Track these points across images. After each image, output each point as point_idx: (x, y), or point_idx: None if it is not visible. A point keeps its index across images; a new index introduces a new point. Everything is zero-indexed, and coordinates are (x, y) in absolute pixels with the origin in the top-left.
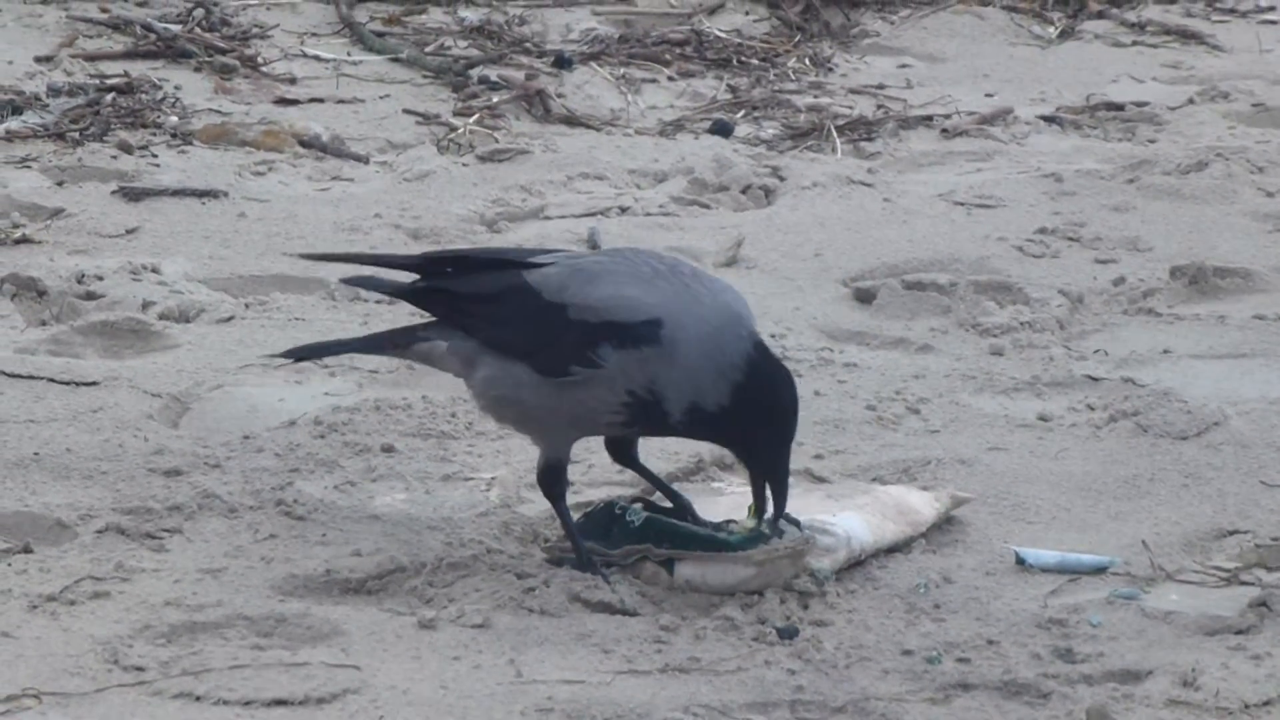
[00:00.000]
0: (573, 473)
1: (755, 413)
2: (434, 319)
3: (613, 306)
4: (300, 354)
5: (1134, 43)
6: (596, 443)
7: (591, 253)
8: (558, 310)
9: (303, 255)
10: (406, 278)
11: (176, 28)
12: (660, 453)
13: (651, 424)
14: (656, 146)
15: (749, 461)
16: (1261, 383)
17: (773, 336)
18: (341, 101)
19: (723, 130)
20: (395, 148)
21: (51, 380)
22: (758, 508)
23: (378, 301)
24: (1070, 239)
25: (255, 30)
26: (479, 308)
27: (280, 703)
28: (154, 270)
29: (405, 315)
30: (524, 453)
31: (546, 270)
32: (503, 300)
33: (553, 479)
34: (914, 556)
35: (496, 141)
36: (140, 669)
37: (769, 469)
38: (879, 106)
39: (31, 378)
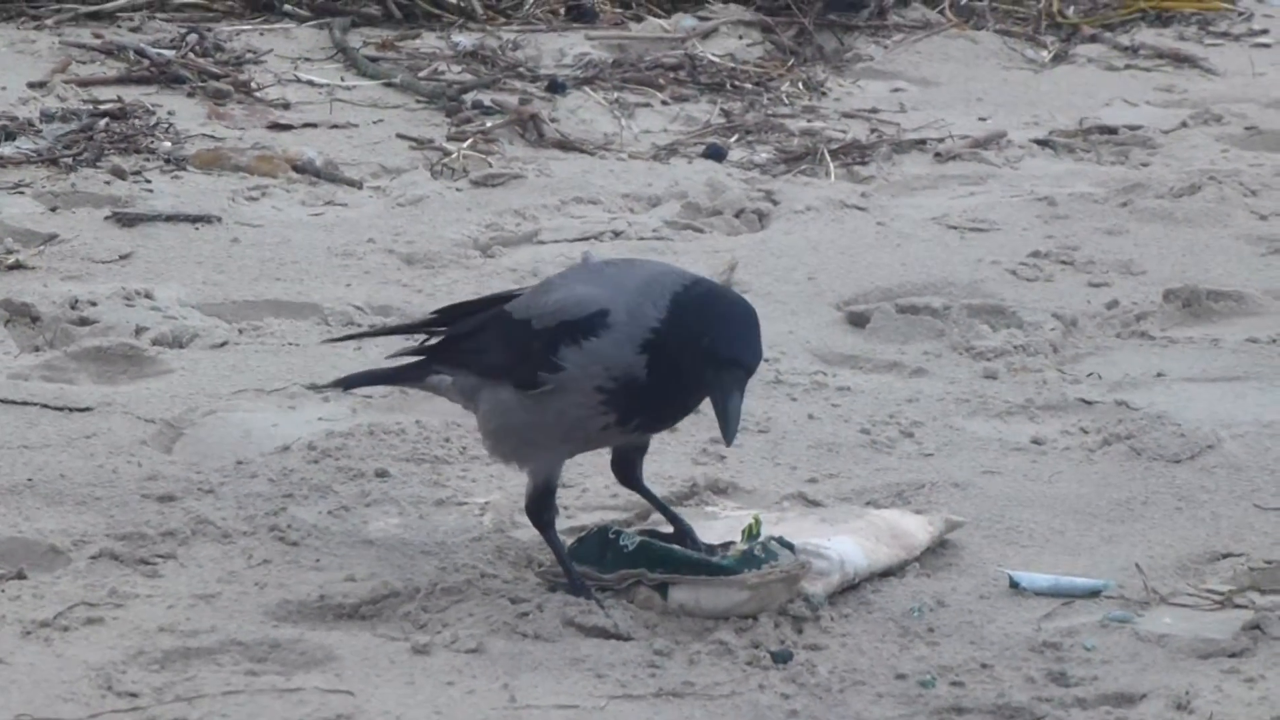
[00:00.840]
0: (566, 497)
1: (696, 332)
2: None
3: (565, 307)
4: (343, 384)
5: (1127, 66)
6: (591, 466)
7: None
8: (525, 326)
9: (325, 341)
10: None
11: (170, 53)
12: (653, 477)
13: (643, 410)
14: (650, 170)
15: (714, 390)
16: (1255, 406)
17: (766, 360)
18: (335, 126)
19: (716, 154)
20: (389, 173)
21: (45, 406)
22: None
23: (370, 326)
24: (1063, 262)
25: (249, 55)
26: (468, 343)
27: None
28: (147, 296)
29: (399, 340)
30: (518, 477)
31: (521, 294)
32: (486, 330)
33: (541, 506)
34: (908, 580)
35: (490, 166)
36: (134, 695)
37: (720, 389)
38: (872, 130)
39: (25, 404)
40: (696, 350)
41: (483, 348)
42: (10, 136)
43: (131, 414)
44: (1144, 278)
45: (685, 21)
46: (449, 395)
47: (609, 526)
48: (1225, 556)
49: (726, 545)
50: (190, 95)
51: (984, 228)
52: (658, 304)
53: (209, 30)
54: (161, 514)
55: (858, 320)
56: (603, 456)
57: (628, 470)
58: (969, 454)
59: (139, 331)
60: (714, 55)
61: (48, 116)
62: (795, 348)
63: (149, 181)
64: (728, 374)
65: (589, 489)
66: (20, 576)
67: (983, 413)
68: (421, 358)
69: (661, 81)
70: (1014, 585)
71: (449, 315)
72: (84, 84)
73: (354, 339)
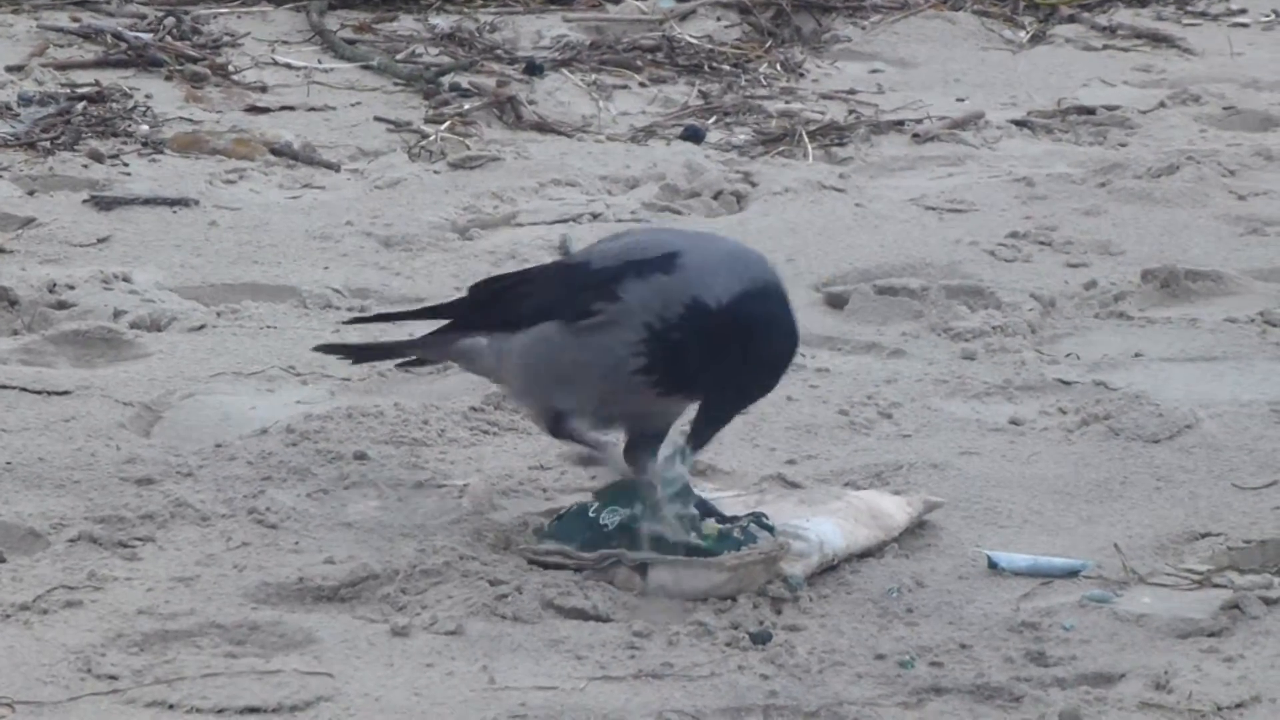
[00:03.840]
0: (545, 479)
1: (739, 346)
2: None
3: (632, 249)
4: (353, 354)
5: (1105, 46)
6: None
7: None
8: (583, 267)
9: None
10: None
11: (147, 36)
12: None
13: (671, 368)
14: (628, 153)
15: (710, 404)
16: (1233, 385)
17: None
18: (313, 109)
19: (694, 136)
20: (366, 155)
21: (23, 390)
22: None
23: (348, 309)
24: (1042, 243)
25: (226, 38)
26: (513, 292)
27: (253, 710)
28: (125, 279)
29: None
30: (496, 459)
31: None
32: (534, 279)
33: (557, 426)
34: (886, 561)
35: (468, 148)
36: (113, 677)
37: (715, 412)
38: (850, 111)
39: (3, 387)
40: (729, 355)
41: (531, 293)
42: None
43: (110, 397)
44: (1122, 258)
45: (663, 3)
46: (479, 359)
47: (588, 505)
48: (1204, 536)
49: (746, 516)
50: (168, 78)
51: (962, 208)
52: (728, 283)
53: (186, 13)
54: (140, 497)
55: (836, 301)
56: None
57: (639, 457)
58: (947, 435)
59: (117, 315)
60: (692, 37)
61: (25, 100)
62: None
63: (127, 165)
64: (735, 395)
65: (568, 470)
66: None
67: (961, 393)
68: (442, 325)
69: (639, 63)
70: (992, 566)
71: (481, 291)
72: (61, 67)
73: (381, 320)
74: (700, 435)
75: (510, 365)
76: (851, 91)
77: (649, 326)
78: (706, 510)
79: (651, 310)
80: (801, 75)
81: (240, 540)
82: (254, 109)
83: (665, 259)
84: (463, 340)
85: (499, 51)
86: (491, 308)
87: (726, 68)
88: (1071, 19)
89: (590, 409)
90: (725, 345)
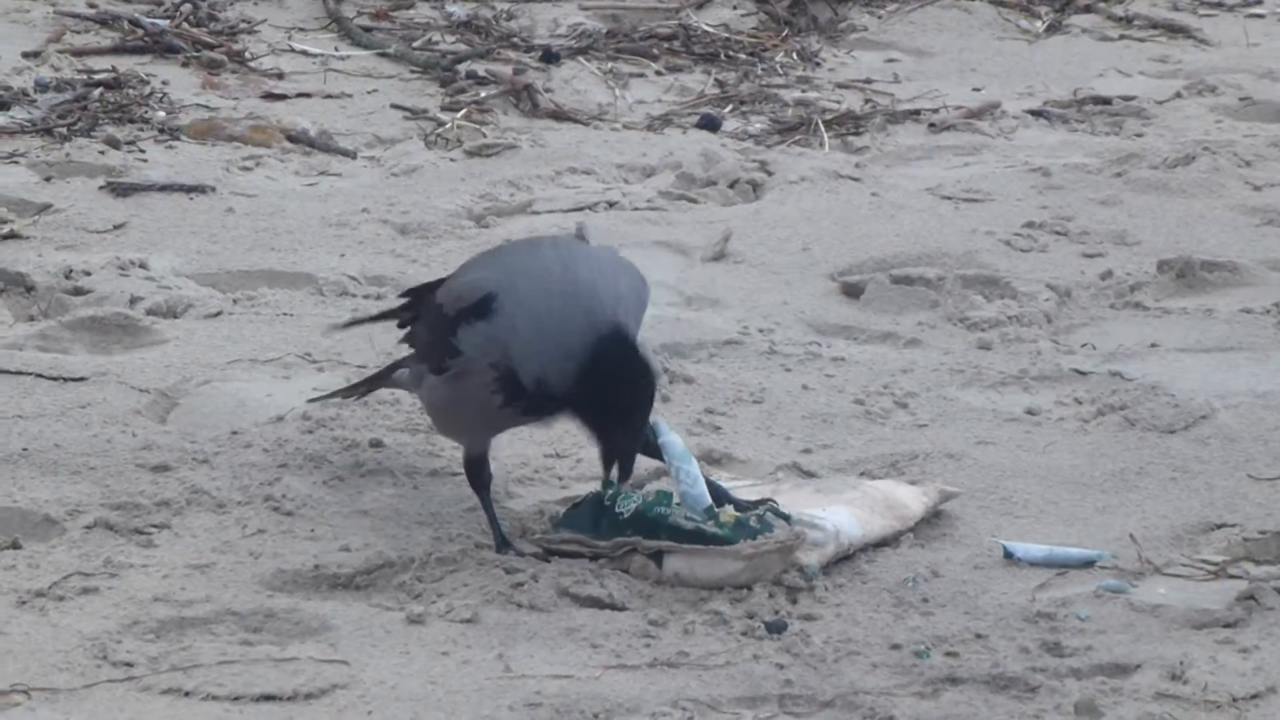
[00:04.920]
0: (560, 467)
1: (603, 399)
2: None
3: (462, 292)
4: (327, 397)
5: (1121, 36)
6: (584, 436)
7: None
8: (439, 310)
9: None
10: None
11: (164, 23)
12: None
13: (532, 403)
14: (644, 141)
15: (601, 440)
16: (1249, 376)
17: (760, 331)
18: (329, 96)
19: (710, 125)
20: (383, 143)
21: (40, 376)
22: (605, 475)
23: (365, 296)
24: (1058, 233)
25: (243, 25)
26: (414, 328)
27: (269, 698)
28: (142, 266)
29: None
30: (510, 447)
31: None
32: (422, 314)
33: (475, 470)
34: (902, 551)
35: (484, 136)
36: (129, 665)
37: (619, 450)
38: (866, 101)
39: (20, 373)
40: (607, 400)
41: (420, 333)
42: (4, 106)
43: (126, 384)
44: (1138, 248)
45: None
46: (408, 387)
47: (604, 493)
48: (1219, 527)
49: (763, 505)
50: (184, 65)
51: (978, 198)
52: (584, 330)
53: (203, 0)
54: (156, 484)
55: (852, 291)
56: None
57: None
58: (963, 424)
59: (133, 301)
60: (708, 25)
61: (42, 86)
62: (789, 318)
63: (143, 151)
64: (611, 422)
65: (583, 459)
66: (15, 546)
67: (977, 383)
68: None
69: (655, 52)
70: (1008, 555)
71: (415, 295)
72: (78, 54)
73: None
74: (612, 463)
75: (424, 409)
76: (868, 81)
77: (494, 367)
78: (722, 497)
79: (488, 354)
80: (818, 64)
81: (256, 527)
82: (270, 96)
83: (483, 304)
84: (398, 373)
85: (515, 39)
86: (410, 333)
87: (743, 56)
88: (1088, 9)
89: (487, 437)
90: (566, 393)
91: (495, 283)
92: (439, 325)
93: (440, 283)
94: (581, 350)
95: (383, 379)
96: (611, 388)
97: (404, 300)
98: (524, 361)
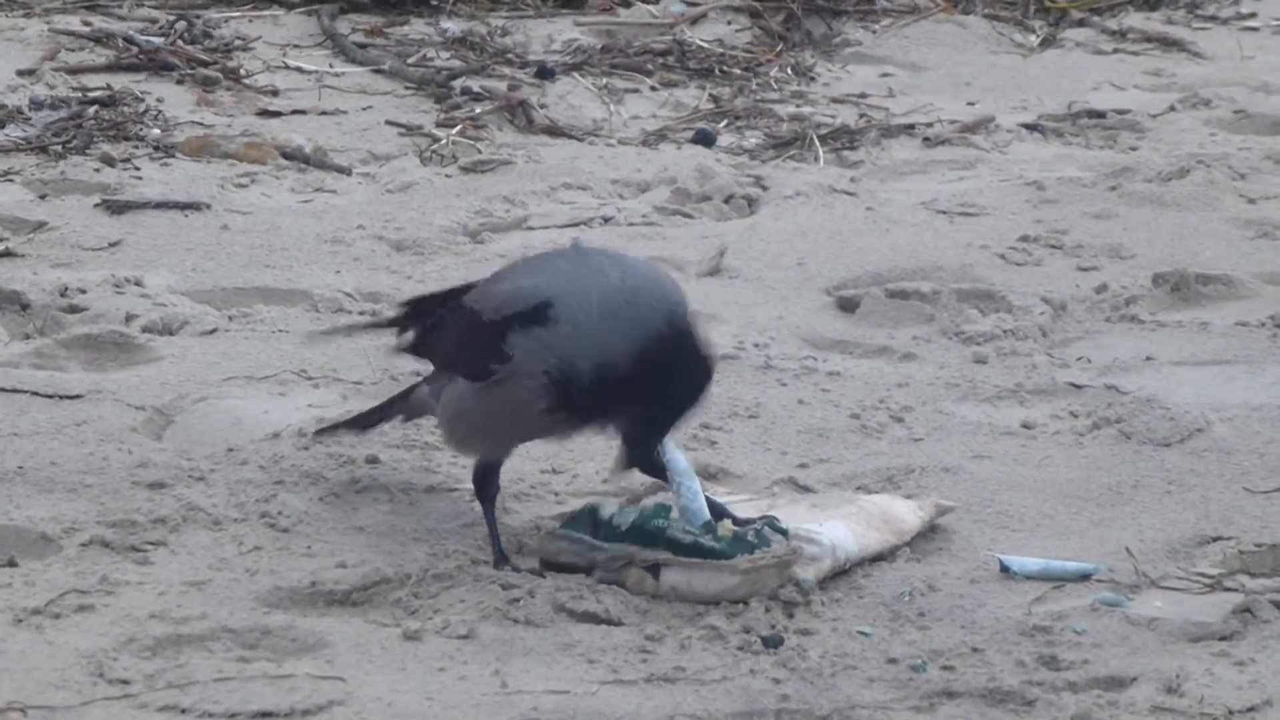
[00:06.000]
0: (556, 482)
1: (658, 385)
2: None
3: (510, 299)
4: (334, 428)
5: (1115, 50)
6: (581, 452)
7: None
8: (475, 317)
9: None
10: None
11: (159, 40)
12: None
13: (581, 406)
14: (639, 156)
15: (633, 429)
16: (1244, 389)
17: (756, 345)
18: (324, 113)
19: (705, 140)
20: (378, 159)
21: (35, 394)
22: (617, 468)
23: (360, 313)
24: (1052, 246)
25: (237, 42)
26: (431, 337)
27: (265, 715)
28: (137, 283)
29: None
30: (508, 463)
31: (476, 285)
32: (443, 324)
33: (484, 480)
34: (898, 565)
35: (479, 152)
36: (125, 682)
37: (644, 441)
38: (861, 115)
39: (15, 391)
40: (635, 390)
41: (443, 342)
42: None
43: (122, 401)
44: (1133, 261)
45: (674, 7)
46: (429, 406)
47: (598, 506)
48: (1215, 540)
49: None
50: (179, 82)
51: (973, 212)
52: (607, 329)
53: (198, 17)
54: (152, 501)
55: (847, 305)
56: (596, 442)
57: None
58: (959, 438)
59: (129, 319)
60: (703, 41)
61: (37, 104)
62: (785, 333)
63: (138, 169)
64: (655, 420)
65: (579, 474)
66: (11, 564)
67: (972, 397)
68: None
69: (650, 67)
70: (1004, 569)
71: (416, 306)
72: (73, 71)
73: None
74: (635, 453)
75: (439, 416)
76: (862, 95)
77: (547, 374)
78: (720, 512)
79: (543, 360)
80: (812, 79)
81: (252, 544)
82: (265, 113)
83: (539, 310)
84: (416, 393)
85: (510, 55)
86: (422, 342)
87: (737, 71)
88: (1082, 23)
89: (511, 448)
90: (627, 384)
91: (551, 289)
92: (477, 332)
93: (452, 292)
94: (648, 335)
95: (395, 408)
96: (671, 372)
97: (400, 312)
98: (584, 358)
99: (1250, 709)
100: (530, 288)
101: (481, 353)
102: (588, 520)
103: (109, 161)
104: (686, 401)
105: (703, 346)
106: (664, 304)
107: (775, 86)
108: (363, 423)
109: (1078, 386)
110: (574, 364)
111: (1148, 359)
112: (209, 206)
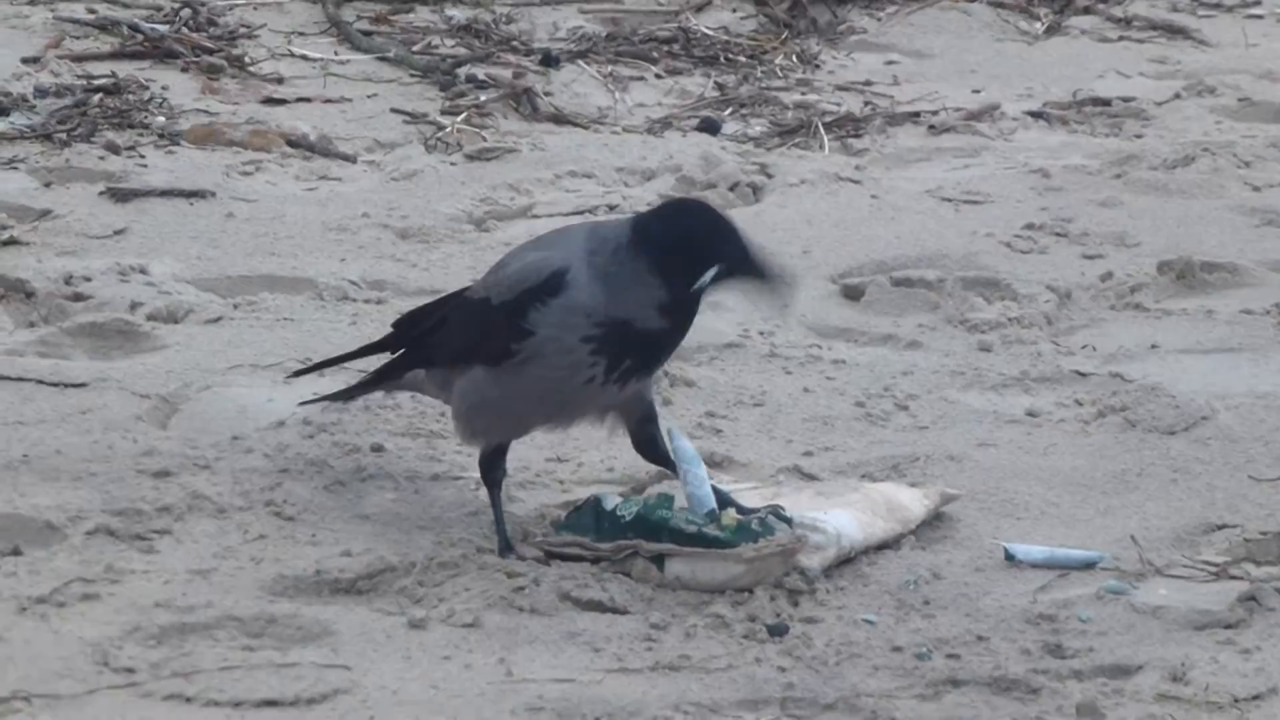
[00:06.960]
0: (561, 471)
1: (687, 240)
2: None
3: (521, 278)
4: (321, 400)
5: (1120, 38)
6: (586, 441)
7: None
8: (484, 304)
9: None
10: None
11: (164, 28)
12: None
13: (634, 348)
14: (644, 144)
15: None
16: (1249, 377)
17: (761, 334)
18: (329, 101)
19: (710, 128)
20: (383, 147)
21: (40, 382)
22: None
23: (365, 301)
24: (1058, 234)
25: (242, 30)
26: (433, 337)
27: (270, 703)
28: (142, 271)
29: (394, 312)
30: (512, 451)
31: (478, 279)
32: (447, 320)
33: (491, 465)
34: (903, 553)
35: (484, 140)
36: (130, 670)
37: (748, 266)
38: (866, 103)
39: (20, 379)
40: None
41: (451, 337)
42: (4, 112)
43: (127, 389)
44: (1138, 249)
45: None
46: (425, 389)
47: (603, 497)
48: (1220, 528)
49: (764, 508)
50: (184, 70)
51: (978, 200)
52: (613, 244)
53: (202, 5)
54: (157, 489)
55: (852, 293)
56: (599, 431)
57: (648, 445)
58: (964, 426)
59: (134, 307)
60: (708, 28)
61: (41, 92)
62: (790, 321)
63: (143, 157)
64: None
65: (584, 463)
66: (16, 553)
67: (977, 385)
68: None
69: (655, 55)
70: (1009, 557)
71: (405, 324)
72: (78, 59)
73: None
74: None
75: (453, 407)
76: (867, 83)
77: (588, 340)
78: (725, 501)
79: (576, 329)
80: (817, 67)
81: (257, 533)
82: (270, 101)
83: (552, 281)
84: (408, 374)
85: (515, 43)
86: (417, 352)
87: (742, 59)
88: (1087, 10)
89: (530, 431)
90: (680, 288)
91: (560, 259)
92: (485, 319)
93: (443, 302)
94: (680, 234)
95: (384, 380)
96: (715, 244)
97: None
98: (620, 307)
99: (1255, 696)
100: (539, 260)
101: (499, 335)
102: (591, 512)
103: (114, 149)
104: (726, 237)
105: (724, 215)
106: (674, 206)
107: (780, 74)
108: (348, 395)
109: (1083, 374)
110: (613, 317)
111: (1153, 347)
112: (214, 194)
